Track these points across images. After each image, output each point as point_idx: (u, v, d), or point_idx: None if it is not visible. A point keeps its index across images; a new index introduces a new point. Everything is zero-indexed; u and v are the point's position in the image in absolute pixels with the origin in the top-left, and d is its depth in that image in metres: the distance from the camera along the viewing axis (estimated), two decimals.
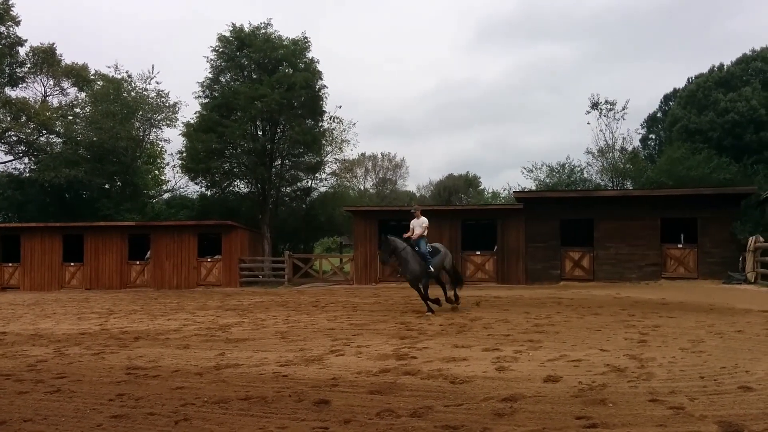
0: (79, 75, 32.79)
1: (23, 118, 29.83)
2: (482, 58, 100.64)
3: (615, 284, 19.69)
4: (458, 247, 21.91)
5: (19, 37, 30.53)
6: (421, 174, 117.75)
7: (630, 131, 49.55)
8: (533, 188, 28.81)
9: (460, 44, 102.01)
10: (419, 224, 12.67)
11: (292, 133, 28.63)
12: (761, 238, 18.41)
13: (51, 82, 33.11)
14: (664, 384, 5.45)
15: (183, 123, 30.49)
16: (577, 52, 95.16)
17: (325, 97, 30.37)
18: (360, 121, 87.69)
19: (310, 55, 29.75)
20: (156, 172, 35.93)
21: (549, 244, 21.31)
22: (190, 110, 62.93)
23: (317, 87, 29.64)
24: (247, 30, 29.20)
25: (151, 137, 33.31)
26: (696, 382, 5.52)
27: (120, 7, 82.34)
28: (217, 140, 27.41)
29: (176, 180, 35.21)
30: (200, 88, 29.34)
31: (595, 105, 30.29)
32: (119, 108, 30.26)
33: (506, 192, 35.18)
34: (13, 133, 30.09)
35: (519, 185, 33.08)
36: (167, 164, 35.46)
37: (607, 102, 30.17)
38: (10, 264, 24.93)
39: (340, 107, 43.70)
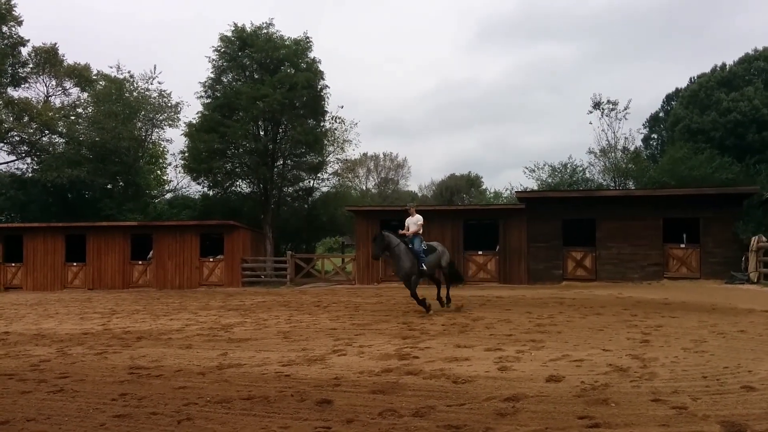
0: (81, 75, 32.83)
1: (26, 119, 29.86)
2: (482, 58, 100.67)
3: (617, 284, 19.67)
4: (460, 247, 21.92)
5: (22, 38, 30.58)
6: (422, 174, 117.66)
7: (632, 131, 49.61)
8: (535, 188, 28.77)
9: (460, 44, 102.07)
10: (414, 222, 12.59)
11: (294, 133, 28.63)
12: (764, 238, 18.39)
13: (53, 83, 33.19)
14: (667, 384, 5.44)
15: (185, 123, 30.53)
16: (577, 52, 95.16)
17: (327, 97, 30.40)
18: (360, 121, 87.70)
19: (311, 55, 29.76)
20: (158, 172, 35.95)
21: (551, 244, 21.30)
22: (192, 110, 63.13)
23: (319, 87, 29.64)
24: (249, 30, 29.20)
25: (153, 137, 33.38)
26: (699, 381, 5.52)
27: (121, 7, 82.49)
28: (219, 140, 27.42)
29: (178, 180, 35.28)
30: (202, 88, 29.37)
31: (597, 105, 30.25)
32: (121, 108, 30.29)
33: (508, 192, 35.18)
34: (15, 133, 30.12)
35: (521, 185, 33.13)
36: (169, 164, 35.51)
37: (609, 102, 30.17)
38: (13, 264, 24.99)
39: (342, 107, 43.66)
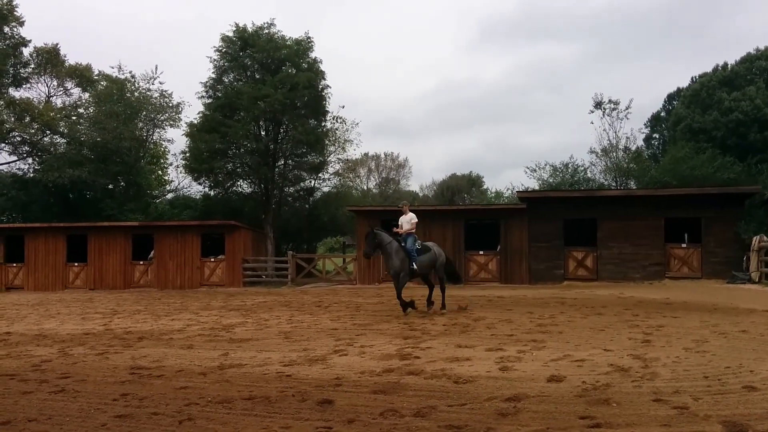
0: (82, 75, 32.87)
1: (27, 119, 29.88)
2: (482, 58, 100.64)
3: (619, 284, 19.66)
4: (461, 247, 21.92)
5: (23, 38, 30.61)
6: (424, 174, 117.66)
7: (633, 131, 49.54)
8: (536, 188, 28.76)
9: (460, 44, 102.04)
10: (407, 220, 12.39)
11: (295, 133, 28.64)
12: (765, 238, 18.37)
13: (55, 83, 33.25)
14: (668, 384, 5.44)
15: (186, 123, 30.56)
16: (577, 52, 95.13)
17: (328, 97, 30.41)
18: (361, 122, 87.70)
19: (313, 55, 29.79)
20: (159, 172, 35.98)
21: (552, 243, 21.29)
22: (193, 110, 63.15)
23: (320, 87, 29.64)
24: (250, 30, 29.21)
25: (154, 137, 33.39)
26: (700, 381, 5.51)
27: (122, 7, 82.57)
28: (220, 140, 27.44)
29: (179, 180, 35.31)
30: (203, 89, 29.40)
31: (598, 104, 30.25)
32: (123, 108, 30.32)
33: (509, 192, 35.14)
34: (17, 133, 30.15)
35: (522, 185, 33.07)
36: (170, 164, 35.54)
37: (610, 101, 30.16)
38: (14, 264, 25.02)
39: (343, 107, 43.59)
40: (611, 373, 5.96)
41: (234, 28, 29.18)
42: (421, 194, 56.38)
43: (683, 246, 20.79)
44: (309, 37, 29.69)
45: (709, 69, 33.57)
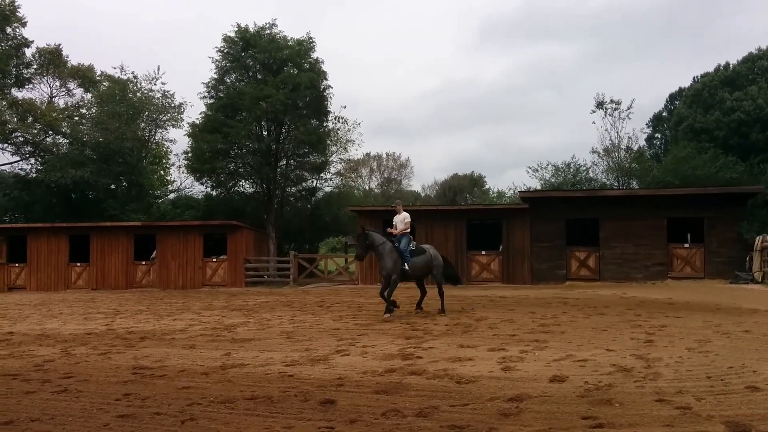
0: (85, 76, 32.90)
1: (30, 119, 29.94)
2: (483, 58, 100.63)
3: (621, 284, 19.64)
4: (463, 247, 21.91)
5: (26, 38, 30.65)
6: (425, 174, 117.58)
7: (635, 130, 49.44)
8: (538, 188, 28.73)
9: (460, 44, 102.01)
10: (401, 220, 12.15)
11: (297, 133, 28.65)
12: None
13: (57, 83, 33.26)
14: (671, 384, 5.43)
15: (188, 123, 30.59)
16: (577, 52, 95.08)
17: (330, 97, 30.43)
18: (362, 122, 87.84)
19: (314, 55, 29.80)
20: (161, 172, 36.02)
21: (554, 243, 21.27)
22: (195, 111, 63.20)
23: (322, 87, 29.65)
24: (252, 30, 29.23)
25: (156, 138, 33.43)
26: (703, 382, 5.50)
27: (123, 7, 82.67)
28: (222, 140, 27.46)
29: (182, 180, 35.37)
30: (205, 89, 29.43)
31: (600, 104, 30.22)
32: (125, 109, 30.35)
33: (511, 192, 35.12)
34: (19, 133, 30.20)
35: (524, 185, 32.96)
36: (173, 164, 35.61)
37: (612, 101, 30.12)
38: (17, 264, 25.06)
39: (345, 107, 43.62)
40: (614, 373, 5.95)
41: (236, 29, 29.23)
42: (423, 194, 56.41)
43: (686, 246, 20.77)
44: (311, 38, 29.73)
45: (709, 69, 33.55)
